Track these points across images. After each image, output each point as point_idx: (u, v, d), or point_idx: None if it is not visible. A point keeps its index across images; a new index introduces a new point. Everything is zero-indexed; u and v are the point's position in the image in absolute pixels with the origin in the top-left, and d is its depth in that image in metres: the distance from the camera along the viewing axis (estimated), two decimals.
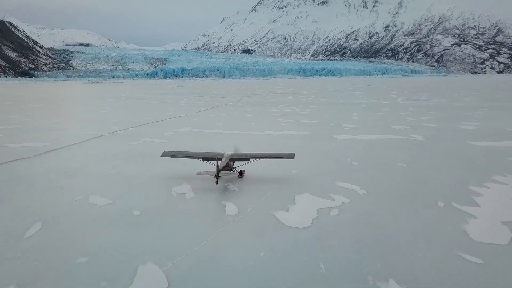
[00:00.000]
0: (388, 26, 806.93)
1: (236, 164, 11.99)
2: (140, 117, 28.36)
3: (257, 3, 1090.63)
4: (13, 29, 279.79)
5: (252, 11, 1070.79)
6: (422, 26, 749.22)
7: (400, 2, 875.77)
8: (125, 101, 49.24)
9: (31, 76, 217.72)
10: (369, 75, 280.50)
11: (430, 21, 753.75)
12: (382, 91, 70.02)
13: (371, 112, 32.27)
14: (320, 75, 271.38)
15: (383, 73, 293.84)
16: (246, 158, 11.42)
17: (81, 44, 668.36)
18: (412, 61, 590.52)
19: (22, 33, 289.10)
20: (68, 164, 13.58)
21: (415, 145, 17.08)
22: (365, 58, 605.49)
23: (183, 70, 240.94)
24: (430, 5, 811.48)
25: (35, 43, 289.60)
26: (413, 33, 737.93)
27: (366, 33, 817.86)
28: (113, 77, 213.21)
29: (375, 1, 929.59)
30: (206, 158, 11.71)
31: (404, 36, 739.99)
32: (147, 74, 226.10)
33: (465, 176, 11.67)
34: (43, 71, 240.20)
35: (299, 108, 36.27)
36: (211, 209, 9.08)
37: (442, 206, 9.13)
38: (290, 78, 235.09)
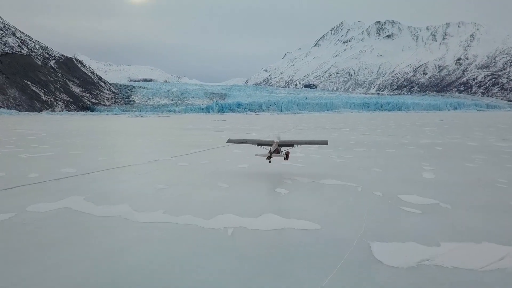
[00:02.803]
0: (459, 59, 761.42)
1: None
2: (84, 163, 17.61)
3: (320, 38, 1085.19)
4: (79, 65, 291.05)
5: (314, 46, 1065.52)
6: (497, 59, 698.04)
7: (472, 35, 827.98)
8: (124, 137, 39.74)
9: (91, 110, 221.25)
10: (439, 109, 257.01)
11: (506, 54, 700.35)
12: (460, 127, 54.90)
13: (456, 162, 19.03)
14: (385, 110, 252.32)
15: (455, 108, 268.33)
16: (290, 144, 14.72)
17: (145, 80, 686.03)
18: (487, 95, 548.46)
19: (88, 69, 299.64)
20: None
21: None
22: (434, 92, 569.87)
23: (239, 105, 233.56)
24: (506, 37, 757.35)
25: (100, 78, 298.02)
26: (487, 66, 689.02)
27: (435, 66, 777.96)
28: (169, 111, 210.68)
29: (445, 34, 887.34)
30: (261, 144, 14.97)
31: (478, 69, 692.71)
32: (203, 109, 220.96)
33: None
34: (104, 105, 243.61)
35: (338, 152, 23.59)
36: None
37: None
38: (352, 112, 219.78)
